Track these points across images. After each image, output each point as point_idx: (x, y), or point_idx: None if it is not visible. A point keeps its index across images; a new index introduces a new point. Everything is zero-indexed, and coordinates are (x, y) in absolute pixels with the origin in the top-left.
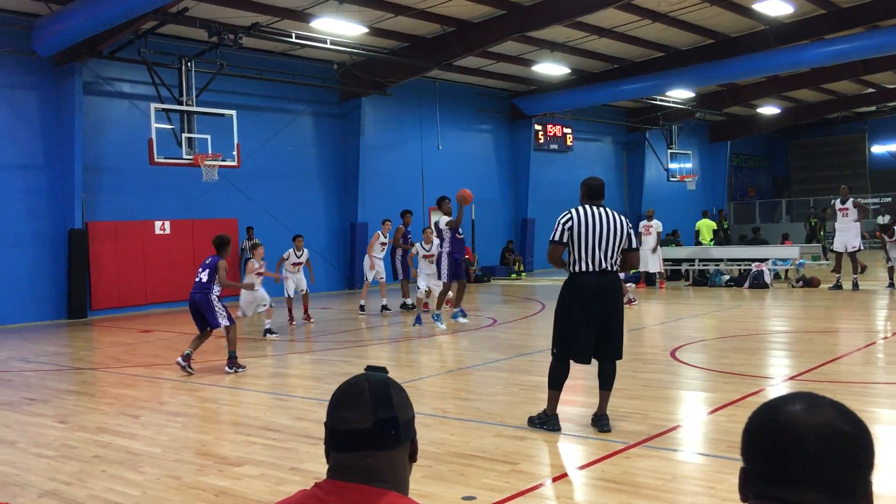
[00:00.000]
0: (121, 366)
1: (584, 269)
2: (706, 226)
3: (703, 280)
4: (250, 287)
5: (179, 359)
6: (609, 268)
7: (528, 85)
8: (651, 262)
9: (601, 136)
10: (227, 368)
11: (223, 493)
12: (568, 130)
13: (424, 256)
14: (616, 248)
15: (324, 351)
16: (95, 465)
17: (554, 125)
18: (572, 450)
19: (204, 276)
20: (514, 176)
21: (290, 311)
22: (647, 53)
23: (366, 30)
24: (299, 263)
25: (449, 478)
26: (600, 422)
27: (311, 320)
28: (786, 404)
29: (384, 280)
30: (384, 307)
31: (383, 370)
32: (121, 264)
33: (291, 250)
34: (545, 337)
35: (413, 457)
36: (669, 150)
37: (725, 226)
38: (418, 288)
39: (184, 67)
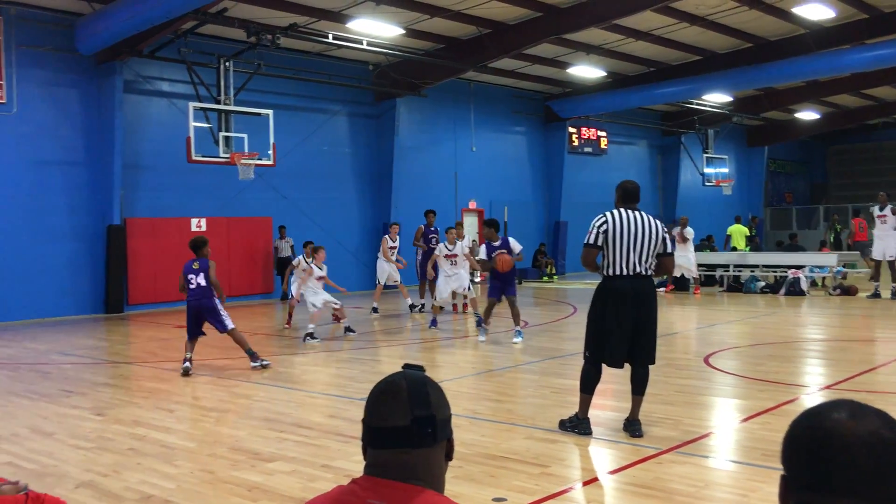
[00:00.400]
0: (156, 360)
1: (618, 272)
2: (738, 232)
3: (737, 286)
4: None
5: (186, 365)
6: (643, 272)
7: (562, 87)
8: (685, 269)
9: (636, 140)
10: (253, 365)
11: (256, 489)
12: (602, 133)
13: (447, 256)
14: (651, 253)
15: (356, 350)
16: (131, 457)
17: (588, 128)
18: (604, 454)
19: (202, 281)
20: (548, 178)
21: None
22: (685, 56)
23: (402, 31)
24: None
25: (479, 479)
26: (632, 426)
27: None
28: (830, 412)
29: (399, 281)
30: (412, 306)
31: (420, 369)
32: (157, 260)
33: (301, 257)
34: (576, 340)
35: (449, 456)
36: (705, 155)
37: (752, 232)
38: (438, 291)
39: (222, 67)
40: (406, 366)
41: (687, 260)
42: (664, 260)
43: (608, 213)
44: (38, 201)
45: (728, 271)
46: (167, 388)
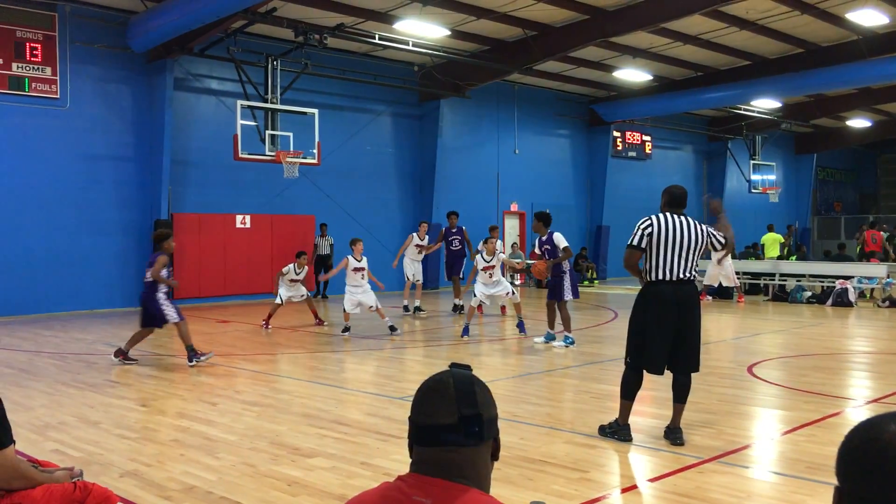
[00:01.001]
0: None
1: (661, 277)
2: (772, 240)
3: (783, 296)
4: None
5: (114, 359)
6: (686, 277)
7: (607, 91)
8: (723, 277)
9: (681, 145)
10: (189, 363)
11: (296, 483)
12: (647, 138)
13: (484, 269)
14: (694, 258)
15: (395, 349)
16: (174, 448)
17: (633, 132)
18: (643, 461)
19: (148, 275)
20: (591, 182)
21: (315, 313)
22: (733, 61)
23: (448, 32)
24: (297, 281)
25: (518, 482)
26: (674, 434)
27: (325, 323)
28: (888, 423)
29: (420, 282)
30: (417, 308)
31: (468, 368)
32: (202, 255)
33: (292, 266)
34: (617, 346)
35: (495, 455)
36: (752, 161)
37: (789, 241)
38: (473, 296)
39: (270, 66)
40: (453, 365)
41: (724, 268)
42: (724, 251)
43: (654, 217)
44: (89, 195)
45: (773, 280)
46: (210, 382)
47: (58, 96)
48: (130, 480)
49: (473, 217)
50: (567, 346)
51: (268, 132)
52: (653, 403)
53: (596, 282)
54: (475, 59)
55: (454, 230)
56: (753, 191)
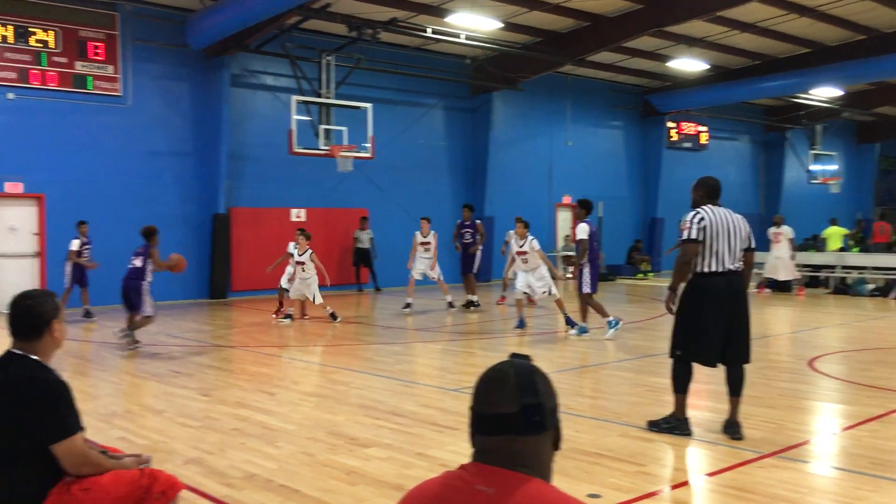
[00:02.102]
0: (257, 345)
1: (713, 269)
2: (836, 234)
3: (844, 288)
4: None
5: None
6: (736, 268)
7: (662, 81)
8: (782, 269)
9: (738, 135)
10: (129, 349)
11: (353, 473)
12: (703, 128)
13: (518, 254)
14: (741, 249)
15: (448, 342)
16: (235, 437)
17: (688, 122)
18: (701, 455)
19: (138, 263)
20: (645, 174)
21: (281, 303)
22: (792, 49)
23: (500, 24)
24: (301, 264)
25: (574, 474)
26: (732, 428)
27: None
28: None
29: (439, 277)
30: (450, 304)
31: (527, 358)
32: (259, 249)
33: (292, 245)
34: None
35: (556, 445)
36: (812, 151)
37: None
38: (515, 289)
39: (324, 61)
40: (513, 355)
41: (781, 260)
42: (748, 255)
43: (704, 209)
44: (150, 190)
45: (834, 272)
46: (268, 372)
47: (120, 94)
48: (194, 468)
49: (526, 210)
50: (579, 336)
51: (322, 127)
52: (708, 397)
53: (650, 274)
54: (527, 51)
55: (468, 223)
56: (813, 182)
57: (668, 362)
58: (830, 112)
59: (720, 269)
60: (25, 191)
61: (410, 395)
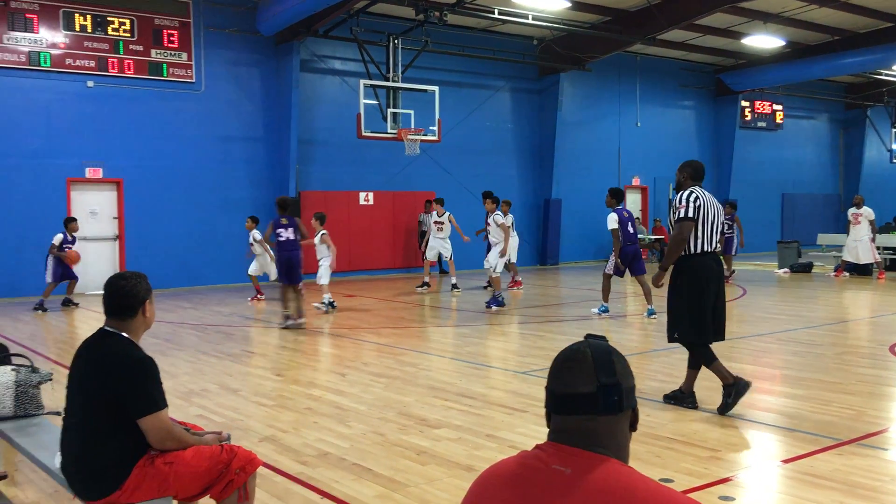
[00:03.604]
0: (328, 327)
1: (705, 249)
2: None
3: None
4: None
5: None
6: (716, 249)
7: (735, 59)
8: (862, 252)
9: (815, 114)
10: (282, 325)
11: (424, 453)
12: (778, 107)
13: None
14: (720, 230)
15: (516, 325)
16: (308, 416)
17: (763, 101)
18: (777, 441)
19: (291, 235)
20: (717, 155)
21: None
22: (873, 24)
23: (567, 4)
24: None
25: (646, 458)
26: (689, 398)
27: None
28: None
29: (449, 258)
30: (454, 285)
31: (603, 339)
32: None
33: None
34: (745, 323)
35: (633, 426)
36: (894, 130)
37: None
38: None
39: (391, 45)
40: (588, 336)
41: (861, 243)
42: (723, 238)
43: (697, 189)
44: (223, 174)
45: None
46: (338, 353)
47: (193, 80)
48: (269, 445)
49: (594, 192)
50: (600, 315)
51: (389, 110)
52: (783, 382)
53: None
54: (596, 30)
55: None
56: (895, 161)
57: (743, 346)
58: None
59: (709, 250)
60: (105, 176)
61: (479, 377)
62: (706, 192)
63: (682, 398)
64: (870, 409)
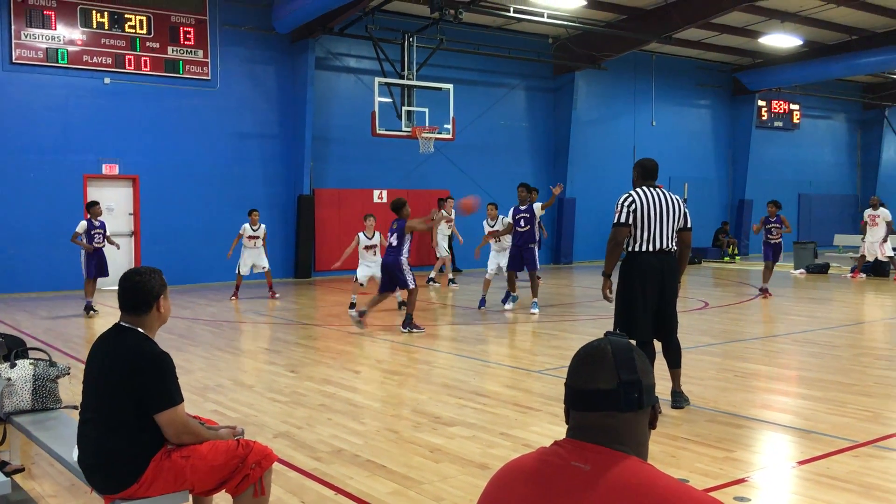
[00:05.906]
0: (342, 324)
1: (645, 248)
2: None
3: None
4: None
5: (354, 313)
6: (668, 248)
7: (752, 58)
8: (879, 251)
9: (832, 114)
10: (403, 330)
11: (437, 451)
12: (795, 107)
13: (490, 234)
14: (674, 229)
15: (530, 323)
16: (322, 412)
17: (779, 101)
18: (793, 443)
19: (394, 241)
20: (733, 154)
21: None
22: (891, 23)
23: (583, 2)
24: (255, 237)
25: (660, 458)
26: (676, 397)
27: (277, 296)
28: None
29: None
30: (451, 280)
31: (623, 336)
32: (342, 229)
33: (247, 224)
34: (761, 324)
35: (653, 424)
36: None
37: None
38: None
39: (406, 43)
40: (608, 333)
41: (877, 244)
42: (682, 235)
43: (634, 192)
44: (238, 172)
45: None
46: (352, 350)
47: (209, 77)
48: (283, 441)
49: (609, 191)
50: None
51: (404, 108)
52: (799, 383)
53: (738, 258)
54: (611, 29)
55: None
56: None
57: (759, 347)
58: None
59: (652, 249)
60: (121, 172)
61: (493, 375)
62: (654, 190)
63: (673, 396)
64: (886, 411)
